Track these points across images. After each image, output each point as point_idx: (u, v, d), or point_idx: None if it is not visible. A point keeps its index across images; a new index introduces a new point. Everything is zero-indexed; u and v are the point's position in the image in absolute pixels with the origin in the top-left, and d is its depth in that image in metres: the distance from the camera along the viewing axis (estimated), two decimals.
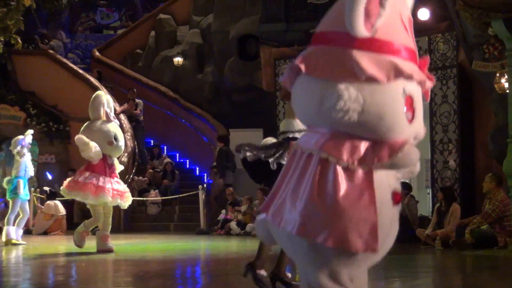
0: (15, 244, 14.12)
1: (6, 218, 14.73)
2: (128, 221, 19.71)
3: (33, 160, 22.64)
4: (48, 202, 19.42)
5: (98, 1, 29.92)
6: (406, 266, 10.21)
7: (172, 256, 12.09)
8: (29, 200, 20.50)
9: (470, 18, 11.83)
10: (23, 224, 15.00)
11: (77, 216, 20.23)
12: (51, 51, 23.55)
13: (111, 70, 24.06)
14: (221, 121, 21.18)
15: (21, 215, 14.78)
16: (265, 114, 20.05)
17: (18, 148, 14.60)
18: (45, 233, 18.72)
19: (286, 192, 3.54)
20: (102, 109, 12.04)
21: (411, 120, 3.46)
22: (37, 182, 21.68)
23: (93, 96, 12.49)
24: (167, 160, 21.43)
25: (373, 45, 3.36)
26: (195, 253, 13.41)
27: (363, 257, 3.44)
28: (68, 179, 12.27)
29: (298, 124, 6.56)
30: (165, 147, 22.17)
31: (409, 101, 3.44)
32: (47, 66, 22.44)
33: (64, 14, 28.53)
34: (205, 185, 19.19)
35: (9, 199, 14.98)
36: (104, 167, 11.82)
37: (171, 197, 19.25)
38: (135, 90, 21.41)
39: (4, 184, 15.34)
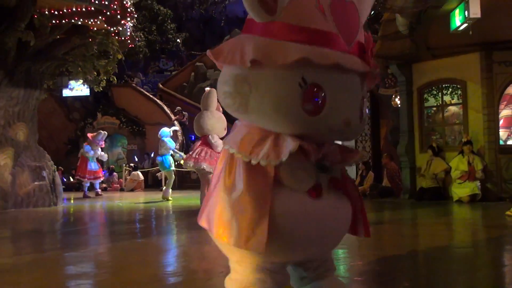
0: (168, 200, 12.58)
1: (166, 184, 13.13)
2: (180, 183, 19.68)
3: (123, 148, 22.87)
4: (133, 172, 19.48)
5: (160, 55, 30.16)
6: None
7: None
8: (121, 171, 20.63)
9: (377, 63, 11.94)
10: (171, 185, 12.91)
11: (151, 180, 20.32)
12: (134, 84, 23.57)
13: (169, 96, 23.95)
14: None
15: (168, 179, 12.97)
16: None
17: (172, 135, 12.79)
18: (132, 190, 18.75)
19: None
20: (216, 101, 9.55)
21: (314, 112, 1.84)
22: (126, 160, 21.80)
23: (210, 91, 9.60)
24: None
25: (272, 29, 1.85)
26: None
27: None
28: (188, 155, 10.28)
29: None
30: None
31: (313, 91, 1.83)
32: (132, 93, 22.44)
33: (141, 62, 28.89)
34: None
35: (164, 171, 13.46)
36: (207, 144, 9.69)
37: None
38: (181, 108, 21.49)
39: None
